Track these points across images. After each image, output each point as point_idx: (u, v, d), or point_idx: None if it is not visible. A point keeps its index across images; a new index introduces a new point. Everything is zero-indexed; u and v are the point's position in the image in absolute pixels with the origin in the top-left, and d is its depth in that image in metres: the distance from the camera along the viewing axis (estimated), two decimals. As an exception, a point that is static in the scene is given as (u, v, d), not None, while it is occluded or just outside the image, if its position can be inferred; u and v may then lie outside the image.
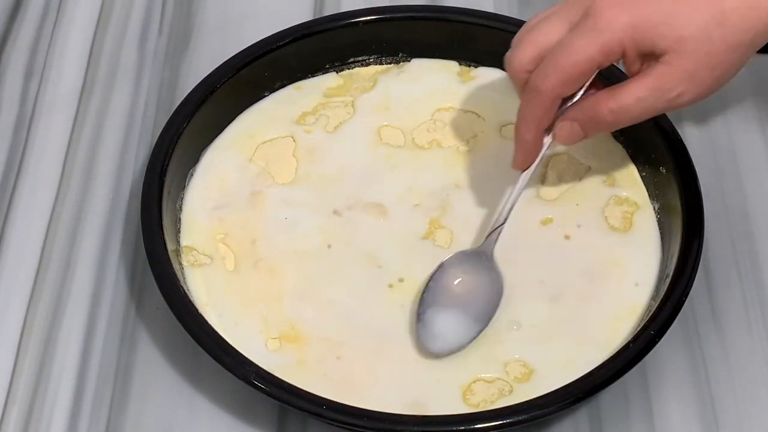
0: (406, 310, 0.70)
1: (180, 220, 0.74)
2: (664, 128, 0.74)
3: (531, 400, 0.64)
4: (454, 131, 0.78)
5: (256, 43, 0.78)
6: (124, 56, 0.84)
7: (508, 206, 0.70)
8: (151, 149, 0.73)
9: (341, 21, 0.79)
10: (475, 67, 0.81)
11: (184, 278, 0.70)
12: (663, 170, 0.73)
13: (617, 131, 0.77)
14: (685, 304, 0.67)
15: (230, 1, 0.87)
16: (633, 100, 0.65)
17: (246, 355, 0.65)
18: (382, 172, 0.76)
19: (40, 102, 0.82)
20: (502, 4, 0.87)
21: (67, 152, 0.79)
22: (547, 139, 0.69)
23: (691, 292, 0.68)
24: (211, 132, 0.77)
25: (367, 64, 0.81)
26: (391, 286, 0.71)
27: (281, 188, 0.76)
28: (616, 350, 0.66)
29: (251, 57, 0.77)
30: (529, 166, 0.70)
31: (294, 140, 0.78)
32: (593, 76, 0.67)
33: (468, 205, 0.75)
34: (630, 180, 0.76)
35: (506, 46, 0.78)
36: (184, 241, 0.73)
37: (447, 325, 0.69)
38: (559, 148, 0.76)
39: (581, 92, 0.68)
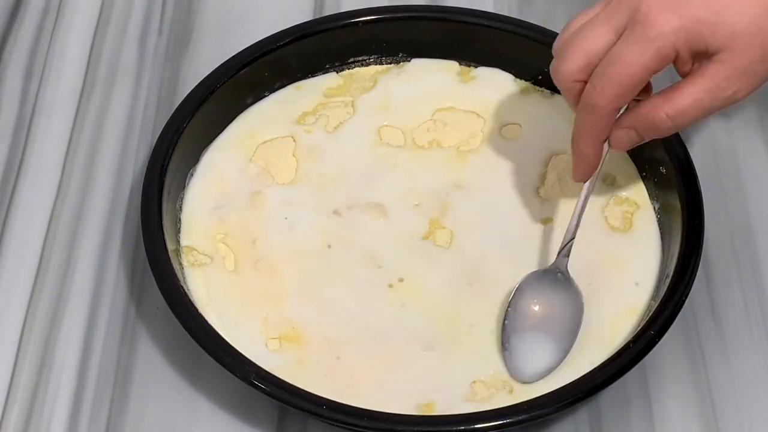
0: (406, 310, 0.70)
1: (180, 220, 0.74)
2: (664, 128, 0.74)
3: (531, 400, 0.64)
4: (454, 131, 0.78)
5: (256, 43, 0.78)
6: (124, 56, 0.84)
7: (575, 220, 0.69)
8: (151, 149, 0.73)
9: (341, 21, 0.79)
10: (475, 67, 0.81)
11: (184, 278, 0.70)
12: (663, 170, 0.73)
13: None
14: (685, 304, 0.67)
15: (230, 1, 0.87)
16: (690, 102, 0.64)
17: (246, 355, 0.65)
18: (382, 172, 0.76)
19: (40, 102, 0.82)
20: (502, 4, 0.87)
21: (67, 152, 0.79)
22: (605, 148, 0.68)
23: (691, 292, 0.68)
24: (211, 132, 0.77)
25: (367, 64, 0.81)
26: (391, 286, 0.71)
27: (281, 188, 0.76)
28: (616, 350, 0.66)
29: (251, 57, 0.77)
30: (590, 177, 0.69)
31: (294, 140, 0.78)
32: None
33: (468, 205, 0.75)
34: (630, 180, 0.76)
35: (506, 46, 0.78)
36: (184, 241, 0.73)
37: (533, 349, 0.68)
38: (562, 148, 0.77)
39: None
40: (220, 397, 0.69)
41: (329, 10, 0.86)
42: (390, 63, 0.81)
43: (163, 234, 0.70)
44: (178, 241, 0.72)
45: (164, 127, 0.74)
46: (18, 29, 0.85)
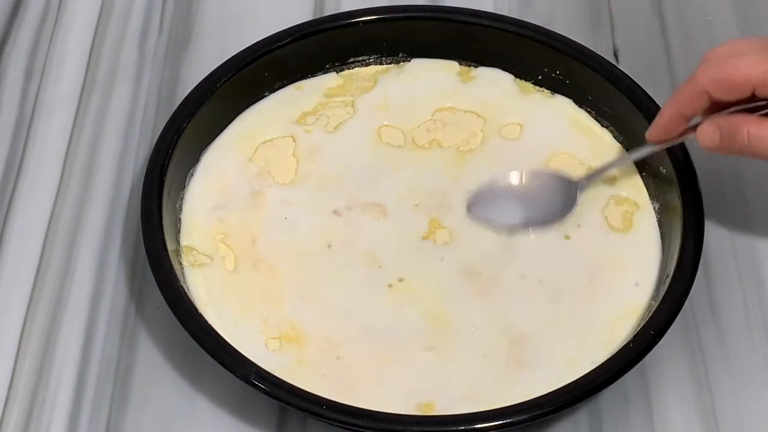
0: (406, 310, 0.70)
1: (180, 220, 0.74)
2: (664, 128, 0.74)
3: (531, 400, 0.64)
4: (454, 131, 0.78)
5: (256, 43, 0.78)
6: (124, 56, 0.84)
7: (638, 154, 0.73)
8: (151, 149, 0.73)
9: (341, 21, 0.79)
10: (475, 67, 0.81)
11: (184, 278, 0.70)
12: (663, 170, 0.73)
13: (617, 131, 0.77)
14: (685, 304, 0.67)
15: (230, 1, 0.87)
16: None
17: (246, 355, 0.65)
18: (382, 172, 0.76)
19: (40, 102, 0.82)
20: (502, 4, 0.87)
21: (67, 152, 0.79)
22: (688, 136, 0.70)
23: (691, 292, 0.68)
24: (211, 132, 0.77)
25: (367, 64, 0.81)
26: (391, 286, 0.71)
27: (281, 188, 0.76)
28: (616, 350, 0.66)
29: (251, 57, 0.77)
30: (656, 141, 0.71)
31: (294, 140, 0.78)
32: (750, 102, 0.67)
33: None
34: (630, 180, 0.76)
35: (506, 46, 0.78)
36: (184, 241, 0.73)
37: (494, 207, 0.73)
38: (562, 148, 0.77)
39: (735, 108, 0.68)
40: (220, 397, 0.69)
41: (329, 10, 0.85)
42: (390, 63, 0.81)
43: (163, 234, 0.70)
44: (178, 241, 0.72)
45: (164, 127, 0.74)
46: (18, 29, 0.85)
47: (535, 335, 0.69)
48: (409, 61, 0.81)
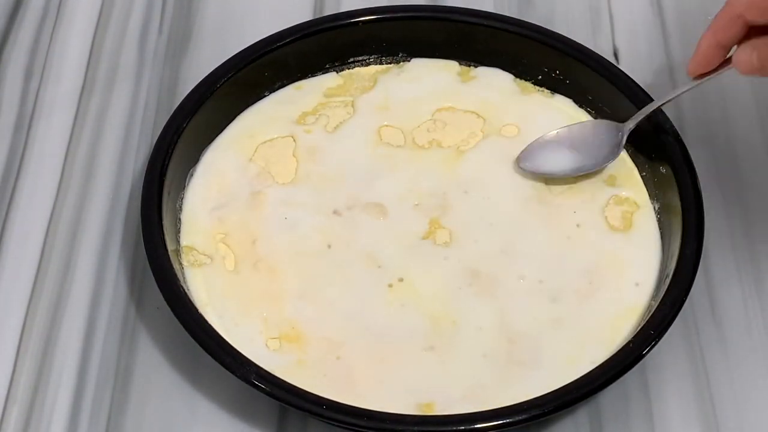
0: (406, 310, 0.70)
1: (180, 220, 0.74)
2: (664, 128, 0.74)
3: (531, 400, 0.64)
4: (454, 131, 0.78)
5: (256, 43, 0.78)
6: (124, 56, 0.84)
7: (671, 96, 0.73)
8: (151, 149, 0.73)
9: (341, 21, 0.79)
10: (475, 67, 0.81)
11: (184, 278, 0.70)
12: (663, 170, 0.73)
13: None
14: (685, 304, 0.67)
15: (230, 1, 0.87)
16: None
17: (246, 355, 0.65)
18: (382, 172, 0.76)
19: (40, 102, 0.82)
20: (502, 4, 0.87)
21: (67, 152, 0.79)
22: (728, 68, 0.69)
23: (691, 292, 0.68)
24: (211, 132, 0.77)
25: (367, 64, 0.81)
26: (391, 286, 0.71)
27: (281, 188, 0.76)
28: (617, 350, 0.66)
29: (251, 57, 0.77)
30: (696, 75, 0.70)
31: (294, 140, 0.78)
32: None
33: (468, 204, 0.75)
34: (630, 180, 0.76)
35: (506, 46, 0.78)
36: (184, 241, 0.73)
37: (548, 155, 0.75)
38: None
39: None
40: (220, 397, 0.69)
41: (329, 10, 0.85)
42: (390, 63, 0.81)
43: (163, 234, 0.70)
44: (178, 241, 0.72)
45: (164, 127, 0.74)
46: (18, 29, 0.85)
47: (535, 335, 0.69)
48: (409, 61, 0.81)
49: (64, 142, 0.80)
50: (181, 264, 0.71)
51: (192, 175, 0.75)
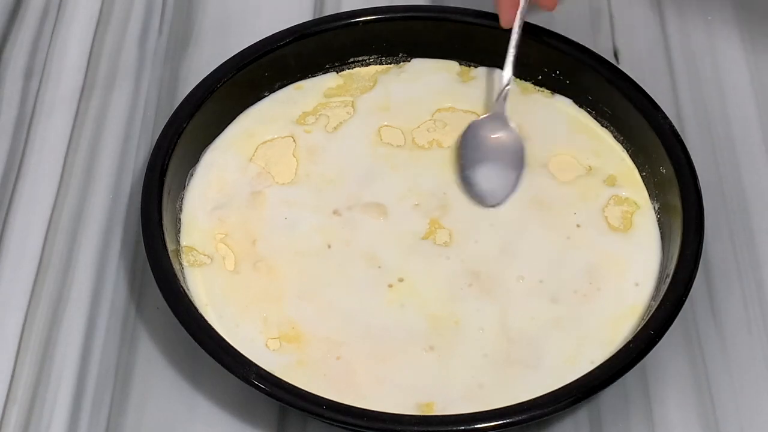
0: (406, 310, 0.70)
1: (180, 220, 0.74)
2: (664, 128, 0.74)
3: (531, 400, 0.64)
4: (454, 131, 0.78)
5: (256, 43, 0.78)
6: (124, 56, 0.84)
7: (509, 66, 0.76)
8: (151, 149, 0.73)
9: (341, 21, 0.79)
10: (475, 67, 0.81)
11: (184, 278, 0.70)
12: (663, 170, 0.73)
13: (617, 131, 0.77)
14: (685, 304, 0.67)
15: (230, 1, 0.87)
16: None
17: (246, 355, 0.65)
18: (382, 172, 0.76)
19: (40, 102, 0.82)
20: (502, 4, 0.86)
21: (67, 152, 0.79)
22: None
23: (691, 292, 0.68)
24: (211, 132, 0.77)
25: (367, 64, 0.81)
26: (391, 286, 0.71)
27: (281, 188, 0.76)
28: (616, 350, 0.66)
29: (251, 57, 0.77)
30: (510, 23, 0.76)
31: (294, 140, 0.78)
32: None
33: (468, 204, 0.75)
34: (630, 180, 0.76)
35: (506, 46, 0.78)
36: (184, 241, 0.73)
37: (489, 176, 0.75)
38: (562, 148, 0.77)
39: None
40: (220, 397, 0.69)
41: (329, 10, 0.86)
42: (390, 63, 0.81)
43: (163, 234, 0.70)
44: (178, 241, 0.72)
45: (164, 127, 0.74)
46: (18, 29, 0.85)
47: (535, 335, 0.69)
48: (409, 61, 0.81)
49: (64, 142, 0.80)
50: (181, 264, 0.71)
51: (192, 175, 0.76)
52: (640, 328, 0.67)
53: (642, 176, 0.76)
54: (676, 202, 0.71)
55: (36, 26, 0.86)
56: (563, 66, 0.78)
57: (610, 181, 0.76)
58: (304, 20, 0.80)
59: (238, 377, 0.65)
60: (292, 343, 0.69)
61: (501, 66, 0.80)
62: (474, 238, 0.73)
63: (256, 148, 0.77)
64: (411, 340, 0.69)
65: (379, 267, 0.72)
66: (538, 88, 0.80)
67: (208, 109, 0.76)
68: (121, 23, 0.86)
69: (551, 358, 0.68)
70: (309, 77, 0.80)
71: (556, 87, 0.79)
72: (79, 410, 0.69)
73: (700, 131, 0.80)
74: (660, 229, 0.73)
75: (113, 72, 0.83)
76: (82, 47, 0.85)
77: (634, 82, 0.76)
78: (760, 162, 0.79)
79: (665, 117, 0.74)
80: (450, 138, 0.78)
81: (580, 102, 0.79)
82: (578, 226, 0.74)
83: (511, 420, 0.64)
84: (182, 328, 0.66)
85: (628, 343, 0.66)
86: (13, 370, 0.70)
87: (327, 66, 0.80)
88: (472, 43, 0.80)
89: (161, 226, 0.70)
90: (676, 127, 0.74)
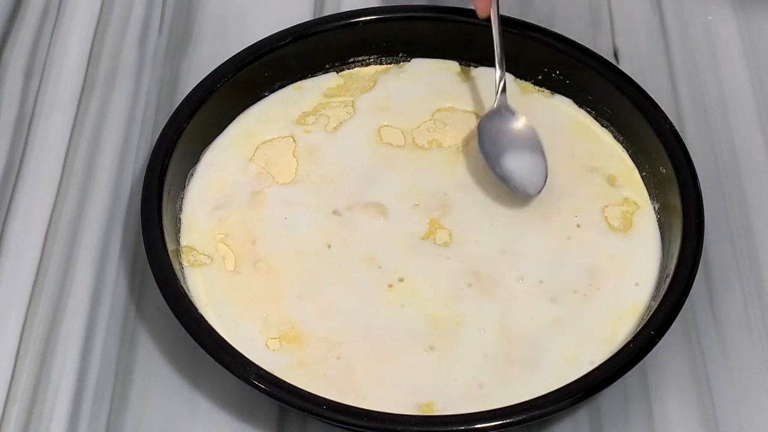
0: (406, 310, 0.70)
1: (180, 220, 0.74)
2: (664, 128, 0.74)
3: (531, 400, 0.64)
4: (454, 131, 0.78)
5: (256, 43, 0.78)
6: (124, 56, 0.84)
7: (498, 57, 0.76)
8: (151, 149, 0.73)
9: (341, 21, 0.79)
10: (475, 67, 0.81)
11: (184, 278, 0.70)
12: (663, 170, 0.73)
13: (617, 131, 0.77)
14: (685, 304, 0.67)
15: (230, 1, 0.87)
16: None
17: (246, 355, 0.65)
18: (382, 172, 0.76)
19: (40, 102, 0.82)
20: (503, 4, 0.86)
21: (67, 152, 0.79)
22: None
23: (691, 292, 0.68)
24: (211, 132, 0.77)
25: (367, 64, 0.81)
26: (391, 286, 0.71)
27: (281, 188, 0.76)
28: (616, 350, 0.66)
29: (251, 57, 0.77)
30: (487, 13, 0.76)
31: (294, 140, 0.78)
32: None
33: (468, 204, 0.75)
34: (630, 180, 0.76)
35: (506, 46, 0.78)
36: (184, 241, 0.73)
37: (522, 168, 0.74)
38: (562, 148, 0.77)
39: None
40: (220, 397, 0.69)
41: (329, 10, 0.86)
42: (390, 63, 0.81)
43: (163, 234, 0.70)
44: (178, 241, 0.72)
45: (164, 127, 0.74)
46: (18, 29, 0.85)
47: (535, 335, 0.69)
48: (409, 61, 0.81)
49: (64, 142, 0.80)
50: (181, 264, 0.71)
51: (192, 175, 0.76)
52: (640, 328, 0.67)
53: (642, 176, 0.76)
54: (676, 202, 0.71)
55: (36, 26, 0.86)
56: (563, 66, 0.78)
57: (610, 181, 0.76)
58: (304, 20, 0.80)
59: (238, 377, 0.65)
60: (292, 343, 0.69)
61: (501, 66, 0.80)
62: (474, 238, 0.73)
63: (256, 148, 0.77)
64: (411, 340, 0.69)
65: (379, 267, 0.72)
66: (538, 88, 0.80)
67: (208, 109, 0.76)
68: (121, 23, 0.86)
69: (551, 358, 0.68)
70: (309, 77, 0.80)
71: (556, 87, 0.79)
72: (79, 410, 0.69)
73: (700, 131, 0.80)
74: (660, 229, 0.73)
75: (113, 72, 0.83)
76: (82, 47, 0.85)
77: (634, 82, 0.76)
78: (760, 162, 0.79)
79: (665, 117, 0.74)
80: (450, 138, 0.78)
81: (580, 102, 0.79)
82: (578, 226, 0.74)
83: (511, 420, 0.64)
84: (182, 328, 0.66)
85: (628, 343, 0.66)
86: (13, 370, 0.70)
87: (327, 66, 0.80)
88: (472, 43, 0.80)
89: (161, 226, 0.70)
90: (676, 127, 0.74)
